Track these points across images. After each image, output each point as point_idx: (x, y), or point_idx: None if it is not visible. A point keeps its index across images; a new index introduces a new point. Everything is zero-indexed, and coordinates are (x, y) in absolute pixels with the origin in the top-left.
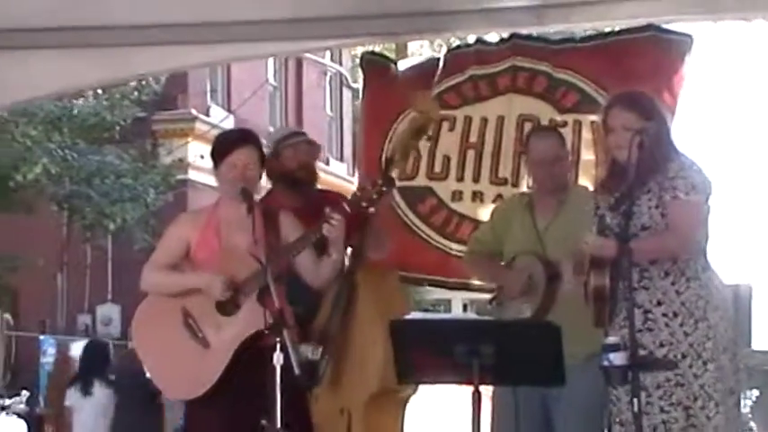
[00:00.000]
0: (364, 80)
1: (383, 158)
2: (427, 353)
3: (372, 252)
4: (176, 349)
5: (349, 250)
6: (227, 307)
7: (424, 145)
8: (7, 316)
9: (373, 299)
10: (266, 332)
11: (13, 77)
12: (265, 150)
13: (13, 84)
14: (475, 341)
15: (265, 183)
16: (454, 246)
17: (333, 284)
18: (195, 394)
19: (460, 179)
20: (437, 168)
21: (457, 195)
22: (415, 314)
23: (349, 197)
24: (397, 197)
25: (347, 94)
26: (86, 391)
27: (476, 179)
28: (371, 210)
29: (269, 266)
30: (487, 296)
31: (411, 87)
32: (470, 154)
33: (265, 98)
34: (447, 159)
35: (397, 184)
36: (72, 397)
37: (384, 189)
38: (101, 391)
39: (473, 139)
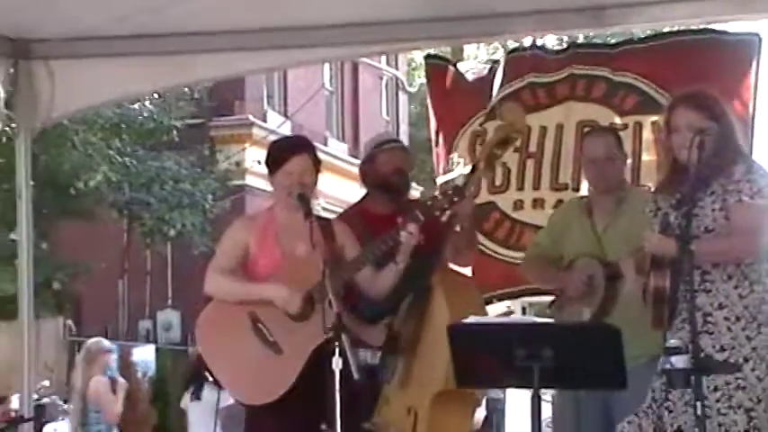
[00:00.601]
0: (428, 83)
1: (444, 164)
2: (486, 357)
3: (454, 258)
4: (246, 354)
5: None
6: (299, 313)
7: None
8: (70, 322)
9: (447, 302)
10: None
11: (78, 85)
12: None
13: (78, 91)
14: (535, 345)
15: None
16: (518, 255)
17: (411, 288)
18: (268, 399)
19: (521, 188)
20: (498, 181)
21: (518, 204)
22: (473, 318)
23: (421, 205)
24: None
25: (403, 98)
26: (197, 396)
27: (536, 186)
28: (443, 219)
29: (332, 271)
30: (549, 298)
31: (475, 91)
32: (530, 163)
33: (322, 103)
34: (507, 171)
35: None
36: (185, 401)
37: (455, 199)
38: (210, 394)
39: (532, 148)
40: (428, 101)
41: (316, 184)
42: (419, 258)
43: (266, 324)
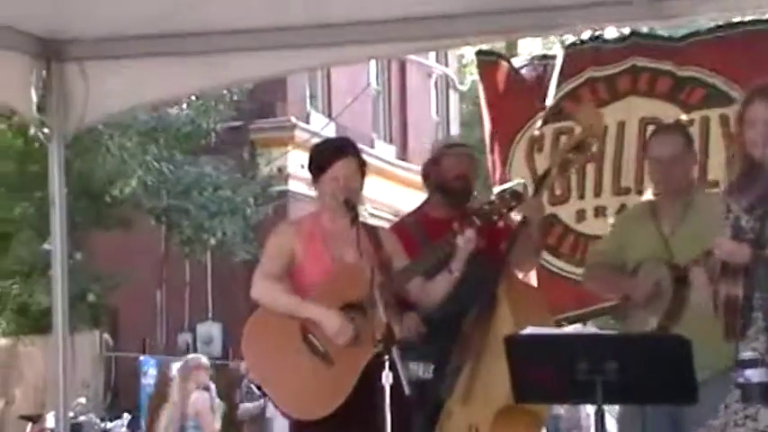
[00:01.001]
0: (480, 80)
1: (500, 174)
2: (546, 370)
3: (519, 266)
4: (295, 365)
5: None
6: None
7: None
8: (106, 336)
9: (513, 313)
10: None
11: (113, 87)
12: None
13: (113, 94)
14: (597, 357)
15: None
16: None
17: (471, 298)
18: (319, 414)
19: (581, 197)
20: (558, 191)
21: (581, 215)
22: (531, 329)
23: (478, 210)
24: None
25: (454, 96)
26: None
27: (597, 193)
28: (501, 224)
29: (381, 280)
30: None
31: (531, 90)
32: (590, 168)
33: (368, 103)
34: (567, 179)
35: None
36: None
37: (512, 203)
38: None
39: (593, 150)
40: (481, 101)
41: (362, 188)
42: (480, 266)
43: (316, 333)
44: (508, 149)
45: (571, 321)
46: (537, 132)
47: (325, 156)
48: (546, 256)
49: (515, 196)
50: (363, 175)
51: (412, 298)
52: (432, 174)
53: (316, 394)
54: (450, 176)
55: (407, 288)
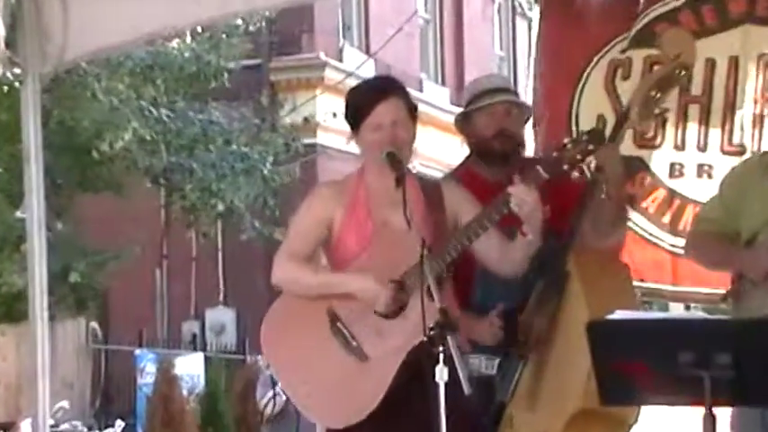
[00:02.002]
0: (541, 9)
1: (573, 113)
2: (640, 365)
3: (596, 237)
4: (323, 363)
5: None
6: (390, 310)
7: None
8: (94, 325)
9: (586, 294)
10: (425, 339)
11: (98, 16)
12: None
13: (98, 24)
14: (706, 348)
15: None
16: (674, 241)
17: (541, 277)
18: (351, 421)
19: (680, 147)
20: (649, 132)
21: (676, 170)
22: (621, 313)
23: (544, 160)
24: None
25: (522, 25)
26: None
27: (701, 147)
28: (575, 175)
29: (430, 254)
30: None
31: (614, 10)
32: (693, 112)
33: (415, 36)
34: (661, 119)
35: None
36: None
37: (590, 147)
38: None
39: (696, 91)
40: (539, 23)
41: (413, 138)
42: (546, 236)
43: (347, 323)
44: (578, 74)
45: (646, 294)
46: (621, 56)
47: (364, 99)
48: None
49: (595, 137)
50: (414, 120)
51: (484, 260)
52: (465, 131)
53: (345, 397)
54: (485, 136)
55: (478, 248)
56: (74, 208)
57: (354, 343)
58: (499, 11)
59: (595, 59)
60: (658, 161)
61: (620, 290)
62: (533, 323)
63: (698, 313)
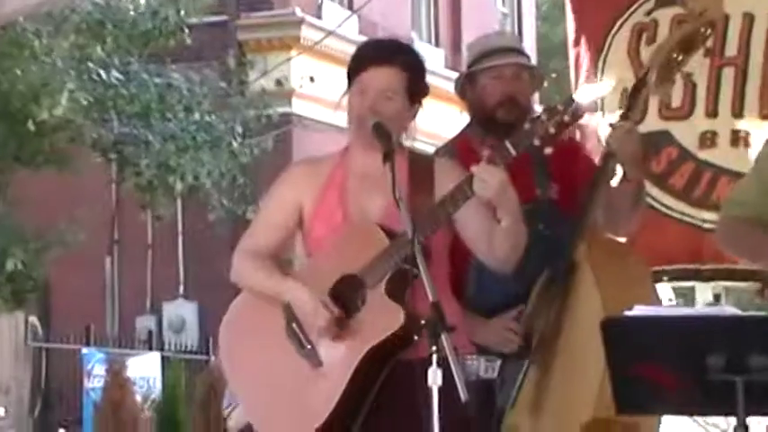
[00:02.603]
0: None
1: (588, 73)
2: (662, 368)
3: (611, 225)
4: (277, 370)
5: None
6: (346, 304)
7: None
8: (34, 321)
9: (599, 286)
10: (416, 338)
11: None
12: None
13: None
14: (738, 349)
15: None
16: (707, 216)
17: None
18: None
19: (713, 114)
20: (675, 100)
21: (708, 139)
22: (640, 308)
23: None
24: None
25: None
26: None
27: (737, 113)
28: (547, 150)
29: (415, 240)
30: (756, 285)
31: None
32: (727, 74)
33: None
34: (691, 86)
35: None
36: None
37: (567, 119)
38: None
39: (731, 51)
40: None
41: (402, 117)
42: (549, 222)
43: (303, 322)
44: (602, 40)
45: (673, 277)
46: (646, 18)
47: (358, 58)
48: (650, 187)
49: (570, 107)
50: (413, 103)
51: (470, 245)
52: (468, 95)
53: (297, 410)
54: (489, 103)
55: (465, 238)
56: (10, 186)
57: (309, 346)
58: None
59: (618, 23)
60: (686, 132)
61: (638, 282)
62: (535, 321)
63: (729, 308)
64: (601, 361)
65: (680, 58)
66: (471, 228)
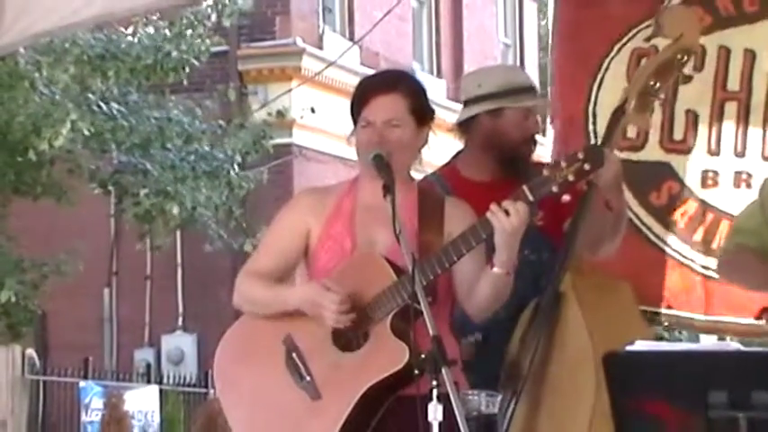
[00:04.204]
0: None
1: (590, 110)
2: (664, 404)
3: (591, 249)
4: (274, 401)
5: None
6: (348, 337)
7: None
8: (31, 353)
9: (585, 320)
10: (416, 373)
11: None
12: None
13: (38, 5)
14: (741, 385)
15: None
16: (708, 261)
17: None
18: None
19: (715, 152)
20: (677, 133)
21: (710, 178)
22: (643, 344)
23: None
24: None
25: (530, 8)
26: None
27: (739, 153)
28: (565, 198)
29: (419, 276)
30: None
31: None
32: (729, 110)
33: (407, 19)
34: (693, 118)
35: (619, 155)
36: None
37: (587, 168)
38: None
39: (733, 86)
40: (553, 19)
41: (414, 143)
42: (535, 251)
43: (304, 354)
44: (596, 65)
45: (671, 323)
46: (645, 44)
47: (361, 92)
48: (649, 221)
49: (594, 156)
50: (421, 127)
51: (456, 289)
52: (488, 129)
53: None
54: (515, 138)
55: (455, 273)
56: (8, 216)
57: (308, 378)
58: None
59: (616, 48)
60: (689, 168)
61: (625, 312)
62: (524, 353)
63: (732, 344)
64: (591, 393)
65: (657, 85)
66: (465, 269)
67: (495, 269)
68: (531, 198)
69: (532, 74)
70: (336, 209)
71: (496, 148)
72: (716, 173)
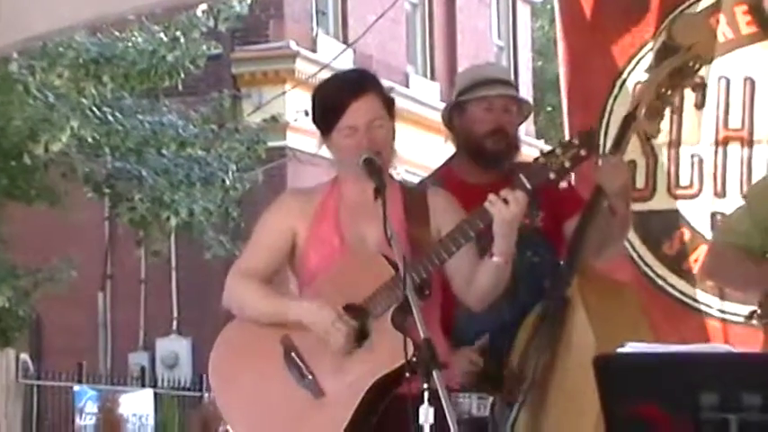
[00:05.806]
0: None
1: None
2: (656, 406)
3: (596, 254)
4: (274, 400)
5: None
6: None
7: (662, 142)
8: (25, 358)
9: (592, 325)
10: (408, 375)
11: (30, 3)
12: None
13: (31, 9)
14: (732, 386)
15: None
16: (725, 306)
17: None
18: None
19: (721, 194)
20: (683, 178)
21: (719, 221)
22: (633, 345)
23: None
24: (630, 234)
25: (524, 11)
26: None
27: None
28: (563, 184)
29: (409, 274)
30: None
31: (637, 10)
32: (733, 149)
33: (400, 22)
34: (698, 162)
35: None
36: None
37: (582, 153)
38: None
39: (735, 123)
40: (557, 18)
41: (393, 136)
42: (540, 254)
43: (303, 353)
44: (601, 104)
45: None
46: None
47: (335, 98)
48: (663, 272)
49: (587, 140)
50: (393, 117)
51: (453, 284)
52: (456, 125)
53: None
54: (479, 132)
55: (449, 267)
56: (2, 222)
57: (310, 376)
58: None
59: (618, 84)
60: (697, 212)
61: (632, 318)
62: (529, 358)
63: (722, 345)
64: (596, 403)
65: (668, 92)
66: (459, 262)
67: (495, 258)
68: (528, 186)
69: (525, 77)
70: (322, 209)
71: (466, 142)
72: (724, 215)
